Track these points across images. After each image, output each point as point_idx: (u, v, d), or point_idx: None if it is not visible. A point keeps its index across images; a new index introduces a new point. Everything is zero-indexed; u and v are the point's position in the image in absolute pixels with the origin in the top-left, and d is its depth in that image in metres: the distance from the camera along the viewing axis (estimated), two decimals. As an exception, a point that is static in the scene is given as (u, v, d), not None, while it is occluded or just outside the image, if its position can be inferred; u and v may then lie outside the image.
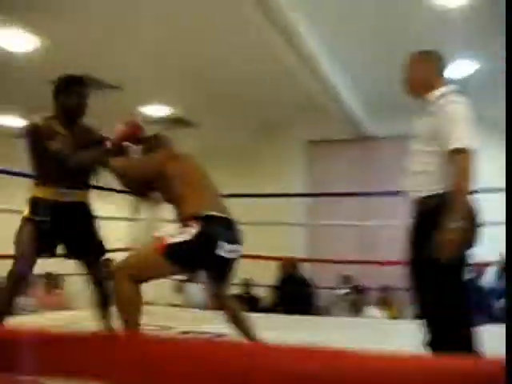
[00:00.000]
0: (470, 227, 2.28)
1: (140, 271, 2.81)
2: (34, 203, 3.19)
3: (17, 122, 8.92)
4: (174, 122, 8.91)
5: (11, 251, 3.15)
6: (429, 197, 2.38)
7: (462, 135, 2.29)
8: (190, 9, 5.18)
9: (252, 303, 6.90)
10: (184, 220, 2.85)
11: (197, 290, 6.82)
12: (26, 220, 3.16)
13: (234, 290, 7.32)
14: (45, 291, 7.62)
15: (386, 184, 7.79)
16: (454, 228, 2.21)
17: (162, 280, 3.10)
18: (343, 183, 8.03)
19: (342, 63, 6.29)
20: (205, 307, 5.83)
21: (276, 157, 8.67)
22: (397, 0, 5.08)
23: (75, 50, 6.18)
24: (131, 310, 2.81)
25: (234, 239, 2.89)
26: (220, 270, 2.98)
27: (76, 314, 5.06)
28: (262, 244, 7.72)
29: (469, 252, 2.36)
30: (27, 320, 4.56)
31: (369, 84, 7.18)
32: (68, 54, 6.27)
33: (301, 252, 7.90)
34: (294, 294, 6.69)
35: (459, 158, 2.26)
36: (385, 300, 6.95)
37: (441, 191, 2.35)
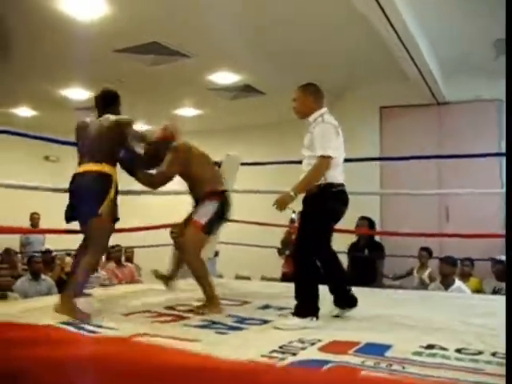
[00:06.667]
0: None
1: (198, 248, 3.97)
2: None
3: (80, 93, 8.93)
4: (243, 89, 8.76)
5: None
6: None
7: (323, 146, 3.31)
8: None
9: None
10: (204, 196, 4.02)
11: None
12: None
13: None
14: (115, 264, 7.63)
15: (460, 150, 7.49)
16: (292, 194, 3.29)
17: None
18: (418, 149, 7.69)
19: (423, 25, 5.95)
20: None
21: (348, 123, 8.36)
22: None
23: (143, 16, 6.02)
24: (207, 276, 3.94)
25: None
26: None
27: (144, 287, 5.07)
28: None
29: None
30: (103, 293, 4.58)
31: (445, 47, 6.82)
32: (136, 22, 6.16)
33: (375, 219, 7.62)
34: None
35: (319, 161, 3.31)
36: (465, 272, 6.63)
37: (317, 183, 3.37)
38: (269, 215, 6.37)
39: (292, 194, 3.27)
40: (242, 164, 5.81)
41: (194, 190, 4.20)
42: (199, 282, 3.95)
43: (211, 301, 3.82)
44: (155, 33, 6.47)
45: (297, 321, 3.16)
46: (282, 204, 3.28)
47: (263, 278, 7.84)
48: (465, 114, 7.95)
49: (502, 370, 2.20)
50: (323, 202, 3.33)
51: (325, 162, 3.29)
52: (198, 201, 4.10)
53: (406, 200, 7.68)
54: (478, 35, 6.52)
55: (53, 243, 8.18)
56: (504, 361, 2.34)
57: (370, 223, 7.12)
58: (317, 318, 3.21)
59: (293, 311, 3.26)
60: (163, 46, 6.79)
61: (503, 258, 6.85)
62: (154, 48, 6.85)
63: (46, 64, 7.49)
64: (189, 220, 4.07)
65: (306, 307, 3.22)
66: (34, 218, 9.60)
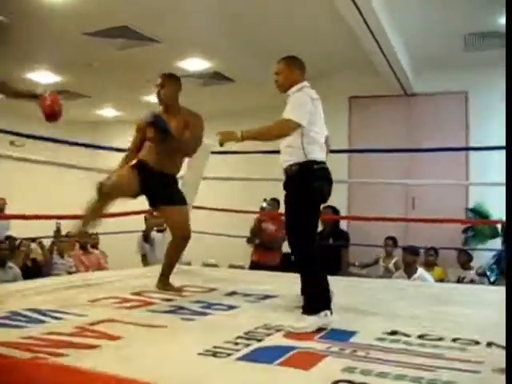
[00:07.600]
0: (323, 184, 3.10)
1: None
2: None
3: (49, 77, 8.79)
4: (212, 77, 8.71)
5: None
6: (291, 165, 3.08)
7: (289, 112, 3.03)
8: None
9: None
10: None
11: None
12: None
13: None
14: (81, 250, 7.56)
15: (427, 141, 7.58)
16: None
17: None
18: (385, 140, 7.79)
19: (394, 19, 6.02)
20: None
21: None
22: None
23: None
24: None
25: None
26: None
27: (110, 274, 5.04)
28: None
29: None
30: (65, 280, 4.55)
31: (416, 41, 6.89)
32: (106, 5, 6.06)
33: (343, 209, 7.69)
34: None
35: (281, 120, 3.04)
36: (430, 261, 6.75)
37: (299, 161, 3.05)
38: (237, 204, 6.43)
39: (239, 134, 3.04)
40: (213, 153, 5.78)
41: None
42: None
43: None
44: (125, 17, 6.39)
45: (311, 320, 2.75)
46: (225, 136, 3.09)
47: (231, 266, 7.85)
48: (433, 106, 8.04)
49: (462, 355, 2.27)
50: (307, 180, 3.02)
51: (286, 123, 3.01)
52: None
53: (374, 190, 7.76)
54: (448, 29, 6.60)
55: (18, 229, 8.01)
56: (465, 346, 2.42)
57: (335, 212, 7.12)
58: (330, 312, 2.81)
59: (302, 310, 2.88)
60: (133, 30, 6.71)
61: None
62: (124, 32, 6.76)
63: (14, 46, 7.33)
64: None
65: (317, 301, 2.85)
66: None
